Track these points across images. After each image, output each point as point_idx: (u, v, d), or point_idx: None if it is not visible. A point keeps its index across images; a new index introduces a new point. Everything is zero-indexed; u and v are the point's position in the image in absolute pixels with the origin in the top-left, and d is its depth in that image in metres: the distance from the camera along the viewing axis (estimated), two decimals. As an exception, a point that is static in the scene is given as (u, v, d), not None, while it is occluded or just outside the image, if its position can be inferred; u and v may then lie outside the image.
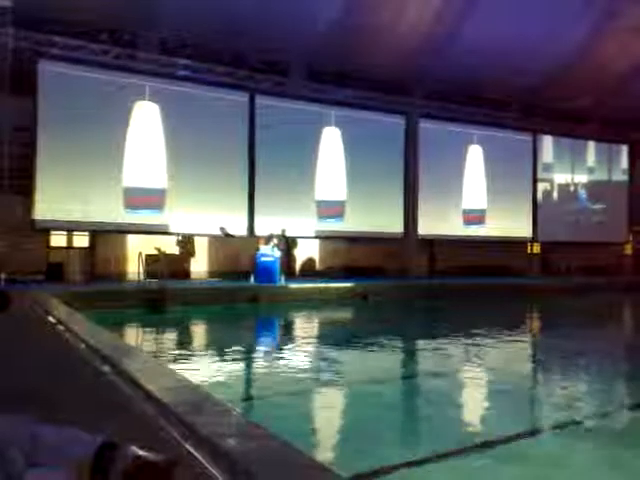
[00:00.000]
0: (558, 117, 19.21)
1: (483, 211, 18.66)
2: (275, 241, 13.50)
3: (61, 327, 5.75)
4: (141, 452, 1.47)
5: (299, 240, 16.26)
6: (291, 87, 15.59)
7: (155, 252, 13.45)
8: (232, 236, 14.67)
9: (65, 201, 12.89)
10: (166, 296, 11.13)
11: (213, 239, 15.28)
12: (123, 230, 14.05)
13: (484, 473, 3.32)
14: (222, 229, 14.55)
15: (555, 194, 20.60)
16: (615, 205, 21.51)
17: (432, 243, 18.11)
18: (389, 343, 8.23)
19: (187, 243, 14.77)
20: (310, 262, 16.86)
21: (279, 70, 15.39)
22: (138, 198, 13.88)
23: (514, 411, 4.74)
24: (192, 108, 14.30)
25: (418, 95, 17.25)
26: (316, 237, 16.48)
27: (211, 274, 15.19)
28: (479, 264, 17.67)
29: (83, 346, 4.59)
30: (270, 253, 13.22)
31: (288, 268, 14.58)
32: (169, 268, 12.91)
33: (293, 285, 13.18)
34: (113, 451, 1.45)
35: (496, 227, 18.64)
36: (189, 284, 13.53)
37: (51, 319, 6.40)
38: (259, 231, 14.80)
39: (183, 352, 7.54)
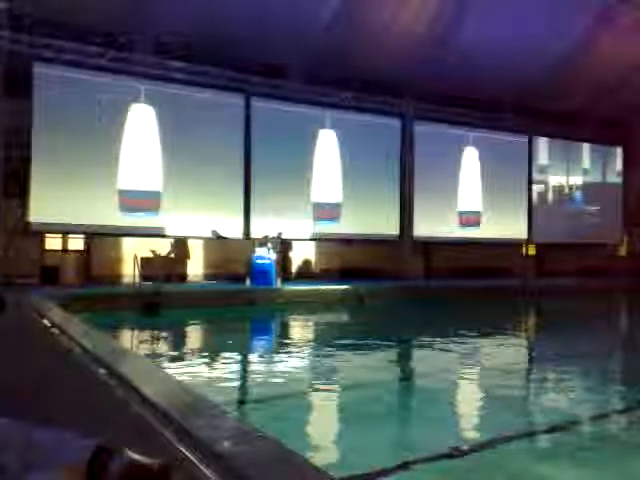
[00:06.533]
0: (553, 119, 19.26)
1: (478, 213, 18.69)
2: (270, 244, 13.48)
3: (56, 330, 5.73)
4: (136, 456, 1.47)
5: (296, 242, 16.25)
6: (287, 90, 15.59)
7: (150, 255, 13.43)
8: (224, 238, 14.65)
9: (60, 204, 12.82)
10: (161, 299, 11.12)
11: (209, 241, 15.26)
12: (118, 233, 14.00)
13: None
14: (214, 232, 14.54)
15: (550, 196, 20.67)
16: (609, 206, 21.60)
17: (427, 245, 18.12)
18: (384, 345, 8.23)
19: (176, 247, 14.68)
20: (306, 264, 16.86)
21: (275, 73, 15.38)
22: (133, 200, 13.85)
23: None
24: (188, 110, 14.28)
25: (413, 97, 17.27)
26: (312, 239, 16.48)
27: (207, 277, 15.16)
28: (474, 266, 17.69)
29: (78, 349, 4.57)
30: (266, 255, 13.22)
31: (284, 270, 14.57)
32: (165, 271, 12.89)
33: (289, 287, 13.17)
34: (108, 455, 1.44)
35: (491, 229, 18.68)
36: (185, 287, 13.51)
37: (46, 322, 6.38)
38: (255, 233, 14.79)
39: (178, 355, 7.54)
